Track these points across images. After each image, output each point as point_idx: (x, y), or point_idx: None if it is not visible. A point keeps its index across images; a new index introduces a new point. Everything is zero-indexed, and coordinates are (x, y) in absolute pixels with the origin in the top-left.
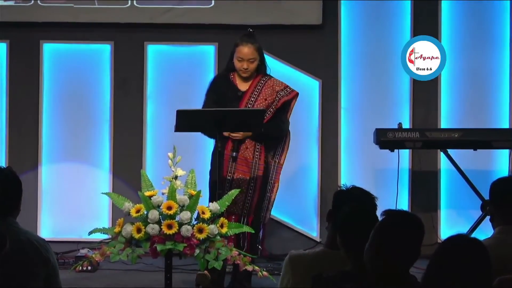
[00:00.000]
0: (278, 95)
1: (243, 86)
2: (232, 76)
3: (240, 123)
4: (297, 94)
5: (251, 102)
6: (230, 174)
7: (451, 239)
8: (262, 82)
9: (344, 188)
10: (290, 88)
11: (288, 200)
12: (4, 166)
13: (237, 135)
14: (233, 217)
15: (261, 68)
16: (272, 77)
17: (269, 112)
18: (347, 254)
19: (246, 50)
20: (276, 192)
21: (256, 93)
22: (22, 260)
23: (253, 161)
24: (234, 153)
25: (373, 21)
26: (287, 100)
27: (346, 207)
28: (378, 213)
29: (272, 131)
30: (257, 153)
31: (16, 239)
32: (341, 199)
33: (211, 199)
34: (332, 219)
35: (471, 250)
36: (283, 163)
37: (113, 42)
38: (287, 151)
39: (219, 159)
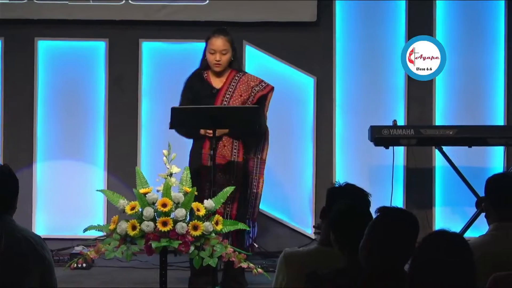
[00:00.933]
0: (253, 91)
1: (217, 83)
2: (206, 74)
3: (236, 121)
4: (273, 88)
5: (226, 99)
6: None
7: (434, 234)
8: (237, 78)
9: (337, 185)
10: (265, 83)
11: (282, 197)
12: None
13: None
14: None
15: (235, 63)
16: (246, 72)
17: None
18: (341, 251)
19: (218, 41)
20: (262, 188)
21: (231, 89)
22: (18, 257)
23: (231, 158)
24: (212, 151)
25: (368, 18)
26: (262, 95)
27: (340, 205)
28: (372, 209)
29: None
30: (235, 151)
31: (12, 237)
32: (335, 196)
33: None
34: (326, 216)
35: (453, 246)
36: (266, 158)
37: (108, 39)
38: (268, 146)
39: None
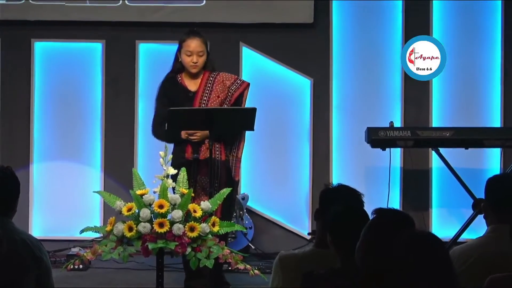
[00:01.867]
0: (230, 90)
1: (192, 86)
2: (179, 78)
3: (232, 121)
4: (248, 84)
5: (204, 101)
6: (194, 172)
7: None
8: (211, 79)
9: (330, 187)
10: (240, 80)
11: (279, 198)
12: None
13: (195, 137)
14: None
15: (208, 65)
16: (219, 72)
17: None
18: (338, 253)
19: (194, 43)
20: (238, 181)
21: (207, 91)
22: (16, 260)
23: (214, 160)
24: (195, 155)
25: (365, 20)
26: (239, 94)
27: (336, 206)
28: (368, 210)
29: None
30: (217, 153)
31: (11, 239)
32: (328, 198)
33: None
34: (319, 218)
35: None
36: (241, 156)
37: (105, 40)
38: (244, 144)
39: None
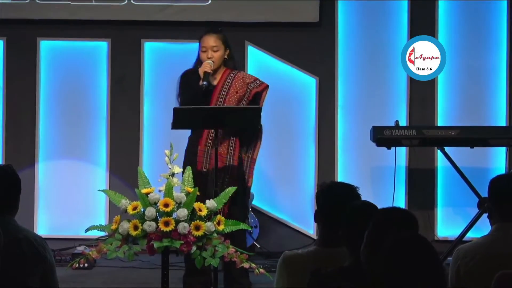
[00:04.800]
0: (249, 87)
1: (212, 81)
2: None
3: (238, 120)
4: (267, 86)
5: (222, 96)
6: (205, 166)
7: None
8: (232, 75)
9: (325, 186)
10: (260, 81)
11: (285, 197)
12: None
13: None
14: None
15: (229, 62)
16: (241, 71)
17: (242, 105)
18: (349, 250)
19: (209, 39)
20: (250, 187)
21: (226, 86)
22: (19, 258)
23: (227, 156)
24: (204, 82)
25: (370, 19)
26: (257, 91)
27: (352, 204)
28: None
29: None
30: (231, 148)
31: (14, 237)
32: (324, 197)
33: None
34: (320, 219)
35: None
36: (256, 157)
37: (110, 39)
38: (260, 145)
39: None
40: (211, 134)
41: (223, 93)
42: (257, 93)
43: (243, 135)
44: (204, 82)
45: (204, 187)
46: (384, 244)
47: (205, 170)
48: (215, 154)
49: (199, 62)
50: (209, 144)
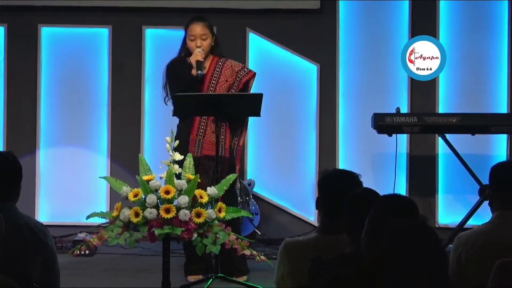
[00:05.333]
0: (238, 76)
1: (203, 69)
2: (189, 60)
3: (239, 108)
4: (255, 74)
5: (212, 85)
6: (196, 155)
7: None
8: (220, 63)
9: (326, 173)
10: (247, 68)
11: (286, 184)
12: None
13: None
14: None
15: (216, 49)
16: (228, 58)
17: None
18: (351, 238)
19: (197, 28)
20: (238, 175)
21: (216, 74)
22: (20, 245)
23: (219, 144)
24: (199, 72)
25: (372, 6)
26: (247, 80)
27: (354, 191)
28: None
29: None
30: (222, 137)
31: (15, 224)
32: (326, 185)
33: None
34: (321, 206)
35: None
36: (243, 144)
37: (111, 26)
38: (246, 132)
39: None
40: (203, 123)
41: (213, 81)
42: (246, 82)
43: (232, 123)
44: (199, 72)
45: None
46: (386, 232)
47: (196, 157)
48: (217, 141)
49: (183, 50)
50: (200, 134)
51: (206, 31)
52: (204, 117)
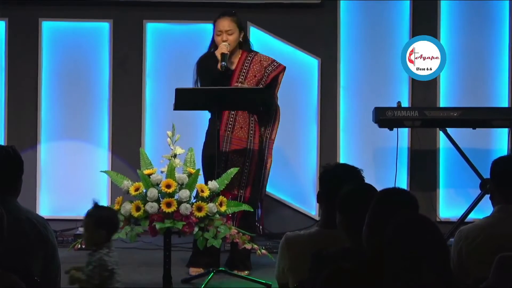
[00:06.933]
0: (267, 71)
1: (230, 64)
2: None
3: (240, 101)
4: (284, 68)
5: (241, 79)
6: (226, 148)
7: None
8: (249, 58)
9: (328, 168)
10: (277, 62)
11: (287, 178)
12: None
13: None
14: (230, 197)
15: (245, 45)
16: (257, 52)
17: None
18: (348, 233)
19: (223, 22)
20: (269, 168)
21: (245, 70)
22: (21, 239)
23: (248, 139)
24: (223, 63)
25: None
26: (275, 75)
27: (348, 186)
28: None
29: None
30: (251, 132)
31: (16, 218)
32: (328, 178)
33: (206, 175)
34: (323, 200)
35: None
36: (274, 138)
37: (112, 20)
38: (278, 126)
39: (213, 137)
40: (231, 118)
41: (242, 77)
42: (274, 77)
43: (260, 116)
44: (223, 63)
45: (224, 168)
46: (387, 225)
47: (225, 151)
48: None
49: (213, 45)
50: (229, 129)
51: (232, 26)
52: (233, 112)
